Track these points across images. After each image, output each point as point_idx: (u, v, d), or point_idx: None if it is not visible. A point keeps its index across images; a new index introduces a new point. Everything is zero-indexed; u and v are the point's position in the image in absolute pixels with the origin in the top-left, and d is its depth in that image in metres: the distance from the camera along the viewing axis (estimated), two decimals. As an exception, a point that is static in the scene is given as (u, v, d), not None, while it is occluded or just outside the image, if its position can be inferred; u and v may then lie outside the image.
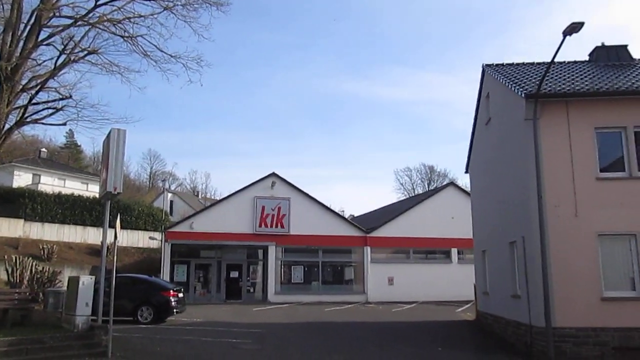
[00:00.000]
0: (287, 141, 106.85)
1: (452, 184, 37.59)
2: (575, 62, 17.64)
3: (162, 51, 15.64)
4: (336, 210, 38.40)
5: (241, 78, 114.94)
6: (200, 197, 71.20)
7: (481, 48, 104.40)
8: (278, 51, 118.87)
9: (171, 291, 18.97)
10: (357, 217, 52.05)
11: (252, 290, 31.40)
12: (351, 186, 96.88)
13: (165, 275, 28.79)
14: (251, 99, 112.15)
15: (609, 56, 17.12)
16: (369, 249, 32.03)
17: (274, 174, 31.88)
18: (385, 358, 12.69)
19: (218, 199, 49.43)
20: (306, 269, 31.97)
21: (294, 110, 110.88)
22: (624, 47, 17.36)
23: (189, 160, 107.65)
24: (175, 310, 18.71)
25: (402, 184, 64.24)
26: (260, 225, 30.86)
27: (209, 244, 30.58)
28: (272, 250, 30.93)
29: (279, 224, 31.07)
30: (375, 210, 48.70)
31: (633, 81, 14.13)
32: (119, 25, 15.39)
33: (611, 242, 12.94)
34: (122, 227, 19.27)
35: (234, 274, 31.06)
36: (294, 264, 31.85)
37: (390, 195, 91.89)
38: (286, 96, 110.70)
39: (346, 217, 43.38)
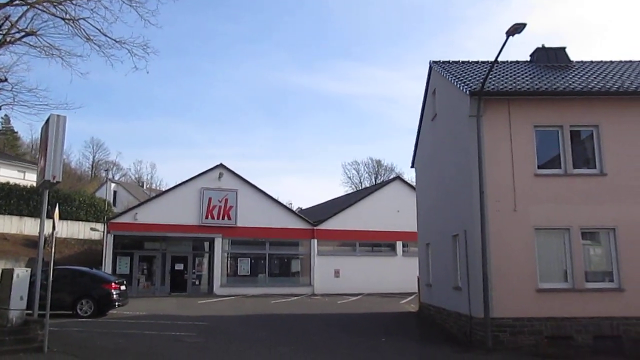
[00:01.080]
0: (236, 133, 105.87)
1: (399, 178, 38.25)
2: (517, 62, 18.27)
3: (106, 35, 15.01)
4: (284, 203, 38.42)
5: (190, 68, 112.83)
6: (145, 187, 69.44)
7: (428, 45, 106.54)
8: (228, 42, 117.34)
9: (113, 283, 18.47)
10: (304, 209, 52.19)
11: (197, 282, 31.00)
12: (300, 179, 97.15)
13: (107, 267, 27.99)
14: (200, 89, 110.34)
15: (549, 57, 17.82)
16: (315, 241, 32.20)
17: (221, 165, 31.49)
18: (330, 349, 12.81)
19: (164, 189, 48.35)
20: (253, 261, 31.80)
21: (243, 102, 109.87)
22: (562, 50, 18.10)
23: (134, 150, 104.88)
24: (116, 304, 18.24)
25: (350, 178, 64.92)
26: (206, 217, 30.44)
27: (153, 235, 29.92)
28: (218, 242, 30.59)
29: (225, 216, 30.74)
30: (323, 203, 48.98)
31: (570, 82, 14.76)
32: (60, 6, 14.67)
33: (547, 235, 13.52)
34: (61, 218, 18.53)
35: (179, 266, 30.55)
36: (241, 256, 31.62)
37: (338, 189, 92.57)
38: (236, 88, 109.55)
39: (294, 209, 43.41)
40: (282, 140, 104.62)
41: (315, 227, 32.48)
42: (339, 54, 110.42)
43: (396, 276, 30.81)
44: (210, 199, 30.65)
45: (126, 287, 19.76)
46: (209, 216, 30.50)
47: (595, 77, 15.40)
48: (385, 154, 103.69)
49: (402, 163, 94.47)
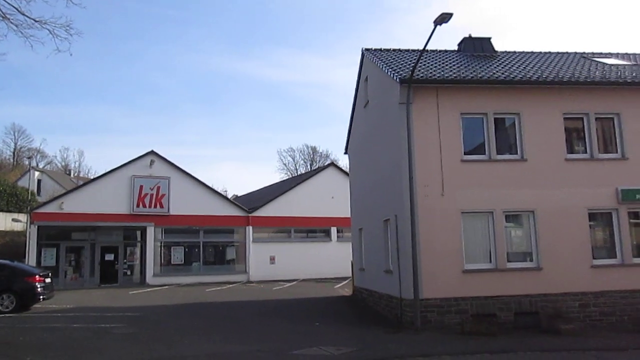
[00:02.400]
0: (168, 119, 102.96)
1: (333, 164, 38.61)
2: (446, 51, 18.83)
3: (24, 14, 14.13)
4: (219, 190, 37.91)
5: (119, 51, 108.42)
6: (72, 176, 66.46)
7: (361, 33, 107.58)
8: (158, 24, 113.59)
9: (37, 276, 17.65)
10: (240, 197, 51.79)
11: (129, 273, 30.11)
12: (235, 166, 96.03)
13: (31, 260, 26.71)
14: (130, 74, 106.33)
15: (475, 47, 18.48)
16: (250, 228, 32.04)
17: (152, 152, 30.61)
18: (264, 335, 12.85)
19: (92, 178, 46.48)
20: (187, 249, 31.24)
21: (175, 87, 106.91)
22: (487, 40, 18.82)
23: (59, 137, 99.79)
24: (41, 297, 17.47)
25: (285, 165, 64.87)
26: (137, 206, 29.58)
27: (81, 225, 28.76)
28: (150, 231, 29.83)
29: (158, 204, 29.99)
30: (258, 190, 48.76)
31: (494, 71, 15.37)
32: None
33: (472, 219, 14.11)
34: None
35: (109, 257, 29.53)
36: (174, 245, 30.98)
37: (273, 175, 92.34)
38: (168, 73, 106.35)
39: (229, 197, 43.00)
40: (216, 127, 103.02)
41: (250, 215, 32.31)
42: (274, 41, 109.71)
43: (331, 261, 31.23)
44: (141, 187, 29.77)
45: (52, 279, 18.95)
46: (141, 204, 29.65)
47: (517, 67, 16.11)
48: (320, 140, 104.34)
49: (337, 150, 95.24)
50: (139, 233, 30.68)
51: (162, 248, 30.68)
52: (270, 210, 33.04)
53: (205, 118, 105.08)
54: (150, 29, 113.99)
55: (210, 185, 33.32)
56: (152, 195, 29.94)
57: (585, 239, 14.28)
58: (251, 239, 31.95)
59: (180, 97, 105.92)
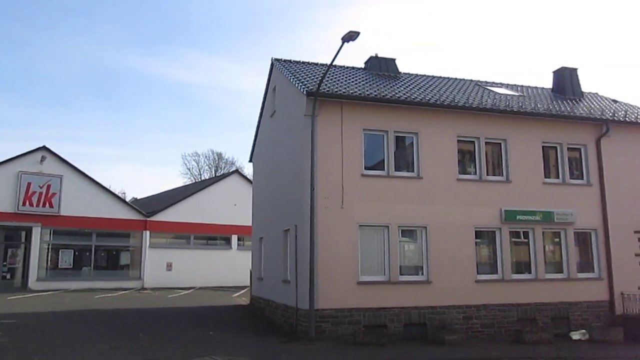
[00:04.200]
0: (64, 113, 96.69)
1: (237, 171, 38.37)
2: (353, 67, 19.40)
3: None
4: (116, 192, 36.31)
5: (4, 38, 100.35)
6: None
7: (274, 42, 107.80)
8: (55, 13, 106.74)
9: None
10: (139, 200, 49.86)
11: (9, 277, 27.85)
12: (135, 168, 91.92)
13: None
14: (18, 62, 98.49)
15: (380, 66, 19.18)
16: (148, 233, 30.89)
17: (44, 148, 28.62)
18: (155, 343, 12.42)
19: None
20: (77, 253, 29.46)
21: (72, 80, 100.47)
22: (392, 60, 19.61)
23: None
24: None
25: (189, 169, 63.06)
26: (24, 204, 27.48)
27: (-45, 223, 26.31)
28: (36, 232, 27.80)
29: (47, 203, 28.06)
30: (159, 193, 47.22)
31: (396, 91, 16.03)
32: None
33: (369, 232, 14.55)
34: None
35: (-14, 259, 27.25)
36: (63, 247, 29.07)
37: (176, 180, 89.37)
38: (63, 64, 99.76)
39: (128, 199, 41.27)
40: (116, 125, 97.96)
41: (148, 219, 31.15)
42: (186, 42, 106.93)
43: (231, 270, 30.86)
44: (29, 184, 27.72)
45: None
46: (27, 203, 27.59)
47: (418, 89, 16.93)
48: (227, 147, 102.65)
49: (243, 157, 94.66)
50: (23, 233, 28.54)
51: (50, 251, 28.72)
52: (170, 215, 32.07)
53: (105, 115, 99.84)
54: (42, 15, 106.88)
55: (107, 186, 31.75)
56: (41, 193, 27.98)
57: (471, 255, 15.22)
58: (148, 244, 30.79)
59: (79, 91, 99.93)
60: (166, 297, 24.60)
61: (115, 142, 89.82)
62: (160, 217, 31.75)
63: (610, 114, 17.64)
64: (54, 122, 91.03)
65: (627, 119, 17.57)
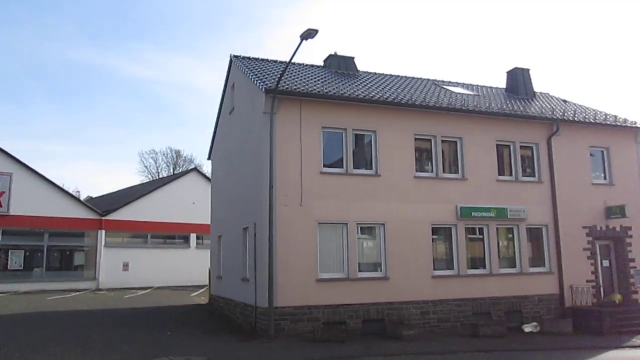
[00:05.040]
0: (13, 108, 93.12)
1: (196, 169, 37.92)
2: (312, 65, 19.44)
3: None
4: (70, 191, 35.30)
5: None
6: None
7: (234, 40, 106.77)
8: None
9: None
10: (94, 198, 48.62)
11: (-47, 279, 26.75)
12: (90, 165, 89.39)
13: None
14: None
15: (340, 65, 19.29)
16: (103, 232, 30.18)
17: (-8, 145, 27.62)
18: (109, 344, 12.15)
19: None
20: (28, 253, 28.49)
21: (21, 74, 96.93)
22: (351, 59, 19.74)
23: None
24: None
25: (146, 167, 61.72)
26: (-30, 203, 26.45)
27: None
28: (-16, 233, 26.83)
29: (-5, 203, 27.07)
30: (115, 192, 46.13)
31: (355, 89, 16.14)
32: None
33: (328, 229, 14.61)
34: None
35: None
36: (13, 248, 28.03)
37: (133, 178, 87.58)
38: (11, 57, 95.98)
39: (82, 198, 40.15)
40: (70, 121, 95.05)
41: (103, 218, 30.41)
42: (142, 38, 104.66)
43: (189, 269, 30.51)
44: (-25, 183, 26.69)
45: None
46: (-26, 202, 26.56)
47: (376, 87, 17.10)
48: (185, 144, 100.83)
49: (202, 155, 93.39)
50: (-31, 234, 27.44)
51: (-2, 251, 27.70)
52: (126, 213, 31.39)
53: (58, 111, 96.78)
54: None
55: (60, 185, 30.88)
56: (-11, 192, 26.97)
57: (428, 251, 15.49)
58: (103, 243, 30.09)
59: (29, 86, 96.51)
60: (122, 297, 24.11)
61: (70, 139, 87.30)
62: (116, 215, 31.04)
63: (561, 114, 18.25)
64: (2, 117, 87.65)
65: (575, 118, 18.20)
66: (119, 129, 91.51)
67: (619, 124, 18.79)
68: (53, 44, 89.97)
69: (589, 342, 14.21)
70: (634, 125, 18.90)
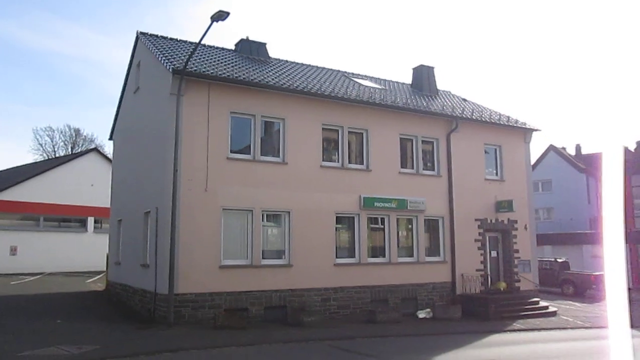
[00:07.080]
0: None
1: (96, 149, 36.01)
2: (223, 48, 19.06)
3: None
4: (-50, 167, 32.28)
5: None
6: None
7: (144, 16, 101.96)
8: None
9: None
10: (-21, 176, 44.77)
11: None
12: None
13: None
14: None
15: (251, 50, 19.08)
16: (-11, 213, 27.95)
17: None
18: (-10, 335, 11.33)
19: None
20: None
21: None
22: (263, 45, 19.59)
23: None
24: None
25: (41, 145, 57.47)
26: None
27: None
28: None
29: None
30: (4, 170, 42.76)
31: (265, 76, 16.05)
32: None
33: (233, 216, 14.51)
34: None
35: None
36: None
37: (26, 156, 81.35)
38: None
39: (-36, 176, 36.85)
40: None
41: (-10, 197, 28.13)
42: (43, 7, 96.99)
43: (86, 254, 28.95)
44: None
45: None
46: None
47: (287, 75, 17.10)
48: (86, 123, 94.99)
49: (104, 134, 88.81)
50: None
51: None
52: (16, 194, 29.16)
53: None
54: None
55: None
56: None
57: (331, 239, 15.82)
58: (-12, 225, 27.86)
59: None
60: (8, 284, 22.49)
61: (-48, 111, 79.47)
62: (5, 195, 28.76)
63: (460, 112, 19.26)
64: None
65: (473, 116, 19.27)
66: (11, 102, 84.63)
67: (510, 124, 20.15)
68: None
69: (475, 327, 15.23)
70: (523, 126, 20.36)
